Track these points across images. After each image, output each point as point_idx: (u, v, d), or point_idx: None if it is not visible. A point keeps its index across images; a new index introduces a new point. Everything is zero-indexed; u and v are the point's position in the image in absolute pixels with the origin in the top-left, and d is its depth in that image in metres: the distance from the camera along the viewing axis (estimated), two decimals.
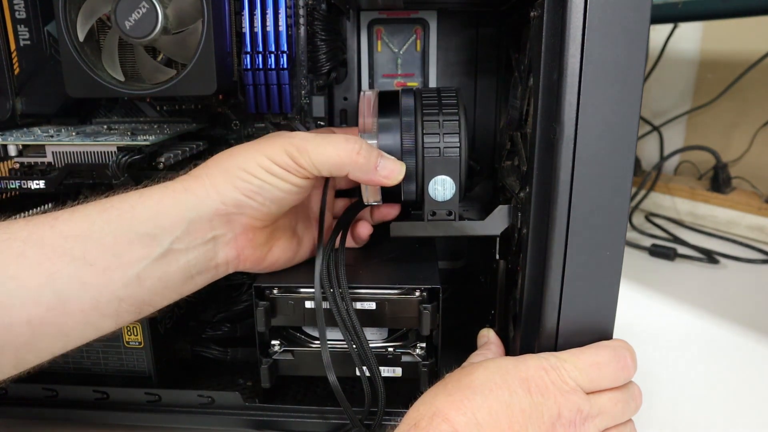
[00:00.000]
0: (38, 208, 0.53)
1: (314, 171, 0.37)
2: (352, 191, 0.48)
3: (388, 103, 0.41)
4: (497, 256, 0.45)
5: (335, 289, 0.39)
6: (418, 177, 0.40)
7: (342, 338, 0.42)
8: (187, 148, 0.47)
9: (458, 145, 0.39)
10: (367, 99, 0.41)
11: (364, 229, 0.45)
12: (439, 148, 0.39)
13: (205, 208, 0.35)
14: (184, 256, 0.35)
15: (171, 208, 0.35)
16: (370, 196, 0.41)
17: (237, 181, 0.35)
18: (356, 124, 0.56)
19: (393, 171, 0.38)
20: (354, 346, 0.38)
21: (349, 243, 0.46)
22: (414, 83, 0.56)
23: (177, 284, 0.36)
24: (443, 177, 0.39)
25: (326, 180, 0.42)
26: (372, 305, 0.40)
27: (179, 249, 0.35)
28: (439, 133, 0.39)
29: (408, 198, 0.41)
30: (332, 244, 0.42)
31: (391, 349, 0.42)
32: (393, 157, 0.39)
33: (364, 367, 0.38)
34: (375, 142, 0.39)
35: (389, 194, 0.41)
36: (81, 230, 0.33)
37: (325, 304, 0.39)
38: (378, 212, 0.46)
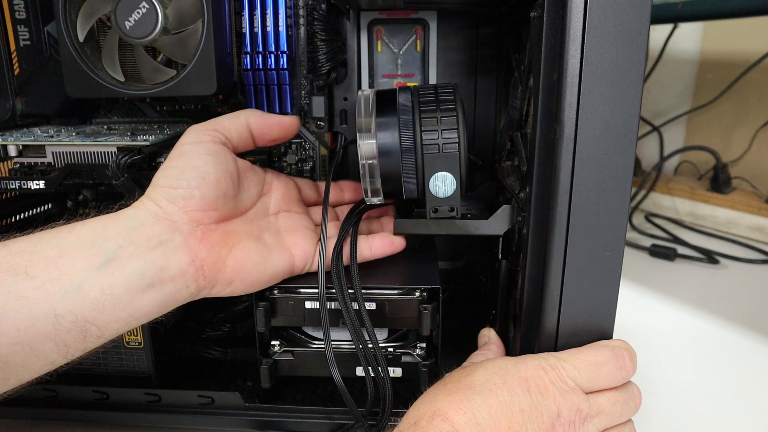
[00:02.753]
0: (38, 208, 0.53)
1: (221, 128, 0.39)
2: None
3: (385, 101, 0.41)
4: (500, 256, 0.45)
5: (344, 289, 0.39)
6: (418, 174, 0.40)
7: (341, 338, 0.42)
8: None
9: (457, 140, 0.39)
10: (365, 98, 0.41)
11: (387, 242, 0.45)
12: (438, 144, 0.39)
13: (144, 213, 0.36)
14: (129, 264, 0.33)
15: (115, 221, 0.35)
16: (371, 195, 0.41)
17: (160, 179, 0.37)
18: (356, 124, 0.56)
19: (288, 118, 0.42)
20: (361, 345, 0.38)
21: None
22: (414, 83, 0.56)
23: (125, 298, 0.33)
24: (443, 173, 0.39)
25: (330, 167, 0.43)
26: (372, 305, 0.40)
27: (123, 257, 0.33)
28: (437, 130, 0.39)
29: (409, 196, 0.41)
30: (338, 246, 0.42)
31: (391, 350, 0.42)
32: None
33: (369, 368, 0.38)
34: (373, 141, 0.39)
35: (390, 192, 0.41)
36: (29, 246, 0.32)
37: (331, 305, 0.39)
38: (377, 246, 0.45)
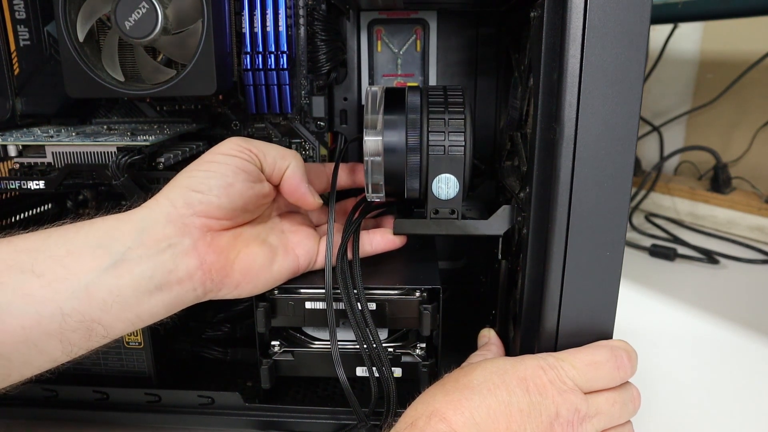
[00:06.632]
0: (38, 208, 0.53)
1: (260, 154, 0.38)
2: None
3: (394, 100, 0.41)
4: (500, 256, 0.45)
5: (350, 289, 0.39)
6: (422, 174, 0.40)
7: (341, 338, 0.42)
8: (187, 149, 0.47)
9: (463, 143, 0.39)
10: (372, 95, 0.41)
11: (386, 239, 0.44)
12: (444, 146, 0.39)
13: (156, 214, 0.35)
14: (138, 266, 0.33)
15: (125, 222, 0.35)
16: (372, 192, 0.41)
17: (183, 180, 0.36)
18: (356, 124, 0.56)
19: (313, 201, 0.41)
20: (365, 345, 0.38)
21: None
22: (414, 83, 0.56)
23: (132, 300, 0.33)
24: (447, 175, 0.39)
25: (337, 160, 0.43)
26: (372, 305, 0.40)
27: (132, 259, 0.33)
28: (444, 132, 0.39)
29: (411, 195, 0.41)
30: (343, 245, 0.41)
31: (391, 350, 0.42)
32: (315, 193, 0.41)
33: (374, 368, 0.38)
34: (379, 138, 0.39)
35: (392, 191, 0.41)
36: (35, 244, 0.32)
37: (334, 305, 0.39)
38: (379, 242, 0.44)
